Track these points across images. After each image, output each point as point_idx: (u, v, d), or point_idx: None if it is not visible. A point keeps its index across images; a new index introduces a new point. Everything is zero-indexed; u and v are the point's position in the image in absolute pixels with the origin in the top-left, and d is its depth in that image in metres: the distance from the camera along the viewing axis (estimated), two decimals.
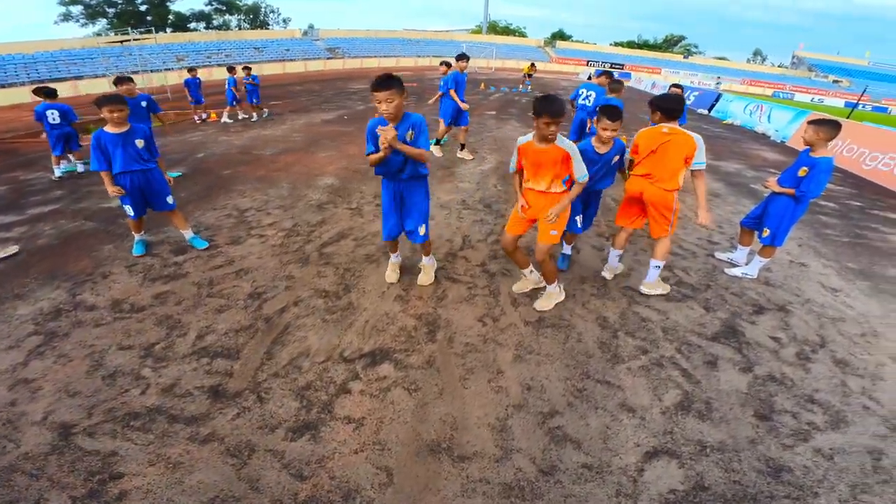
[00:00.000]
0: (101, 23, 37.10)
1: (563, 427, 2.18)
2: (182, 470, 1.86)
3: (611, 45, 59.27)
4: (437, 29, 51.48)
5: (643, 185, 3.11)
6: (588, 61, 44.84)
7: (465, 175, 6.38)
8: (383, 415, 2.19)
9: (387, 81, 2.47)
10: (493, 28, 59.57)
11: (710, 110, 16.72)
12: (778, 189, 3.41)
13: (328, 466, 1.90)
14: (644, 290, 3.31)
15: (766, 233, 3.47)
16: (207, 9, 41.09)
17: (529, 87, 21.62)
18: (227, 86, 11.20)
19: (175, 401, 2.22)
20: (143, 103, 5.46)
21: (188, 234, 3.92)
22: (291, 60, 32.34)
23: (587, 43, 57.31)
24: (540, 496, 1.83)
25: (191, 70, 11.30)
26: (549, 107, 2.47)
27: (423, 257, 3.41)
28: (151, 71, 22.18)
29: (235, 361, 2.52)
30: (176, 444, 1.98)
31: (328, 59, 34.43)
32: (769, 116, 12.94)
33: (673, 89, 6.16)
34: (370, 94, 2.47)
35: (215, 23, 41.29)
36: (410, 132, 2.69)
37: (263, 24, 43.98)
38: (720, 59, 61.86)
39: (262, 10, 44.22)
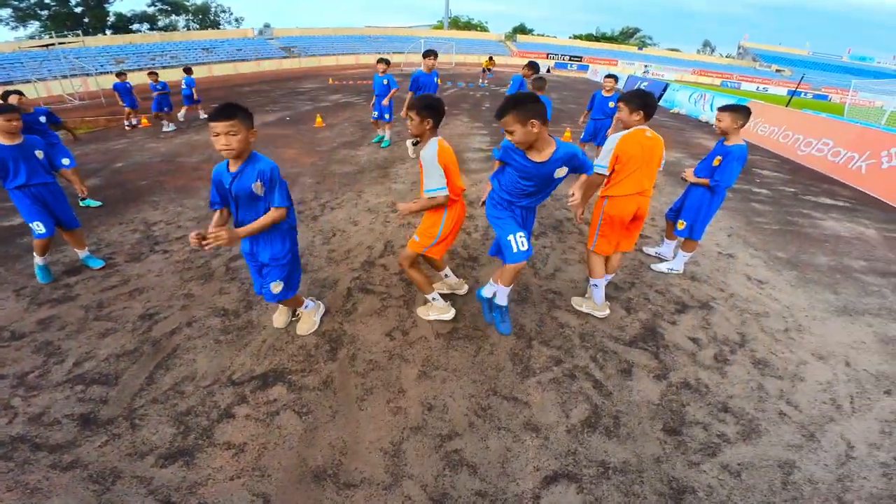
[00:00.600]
0: (34, 25, 34.59)
1: (460, 450, 2.00)
2: (39, 495, 1.80)
3: (570, 38, 60.21)
4: (399, 25, 50.86)
5: (640, 203, 2.66)
6: (548, 54, 45.38)
7: (400, 175, 6.12)
8: (268, 440, 2.05)
9: (228, 110, 1.98)
10: (455, 23, 59.36)
11: (658, 100, 17.10)
12: (693, 179, 3.31)
13: (199, 493, 1.81)
14: (600, 313, 2.93)
15: (682, 225, 3.40)
16: (151, 10, 38.93)
17: (487, 81, 21.52)
18: (184, 86, 10.90)
19: (41, 429, 2.10)
20: (42, 118, 4.92)
21: (83, 253, 3.60)
22: (244, 61, 31.02)
23: (548, 36, 57.97)
24: None
25: (119, 74, 10.51)
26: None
27: (298, 308, 2.79)
28: (87, 75, 20.77)
29: (112, 388, 2.33)
30: (36, 471, 1.89)
31: (283, 58, 33.25)
32: (711, 105, 13.32)
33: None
34: (208, 126, 2.04)
35: (160, 24, 39.18)
36: (258, 184, 2.14)
37: (214, 25, 42.09)
38: (673, 50, 63.92)
39: (213, 9, 42.34)
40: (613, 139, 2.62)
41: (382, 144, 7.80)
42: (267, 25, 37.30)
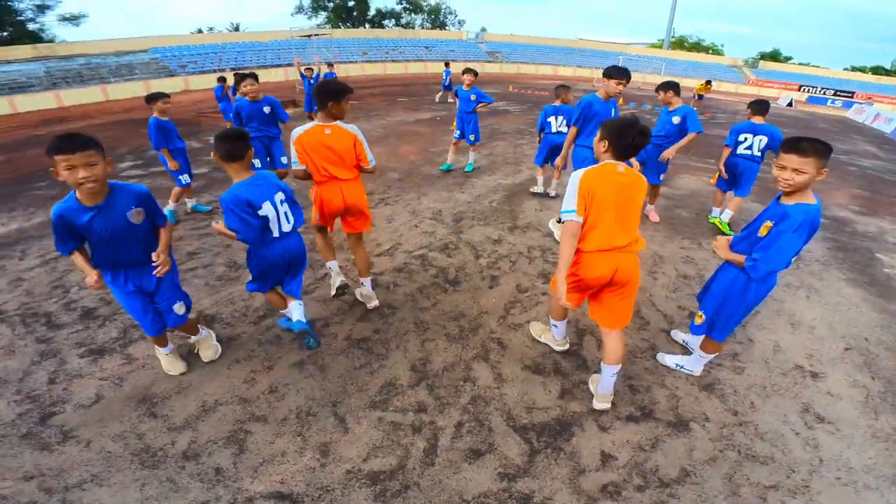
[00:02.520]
0: (322, 16, 45.28)
1: (252, 432, 2.25)
2: None
3: (846, 69, 47.33)
4: (613, 40, 48.52)
5: (617, 262, 2.11)
6: (801, 86, 36.63)
7: (474, 186, 6.22)
8: None
9: (81, 140, 1.84)
10: (680, 43, 53.24)
11: None
12: (725, 254, 2.27)
13: None
14: (599, 405, 2.43)
15: (701, 318, 2.45)
16: (398, 7, 46.69)
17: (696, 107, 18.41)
18: (444, 78, 15.01)
19: None
20: (266, 108, 4.90)
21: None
22: (454, 61, 34.57)
23: (809, 66, 46.81)
24: None
25: (329, 65, 13.53)
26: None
27: (193, 336, 2.77)
28: (338, 63, 26.60)
29: None
30: None
31: (486, 62, 35.71)
32: None
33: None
34: (52, 159, 1.84)
35: (403, 21, 46.70)
36: (137, 210, 2.10)
37: (442, 25, 47.93)
38: None
39: (442, 10, 48.21)
40: (575, 176, 2.07)
41: (466, 168, 6.91)
42: (483, 29, 40.44)
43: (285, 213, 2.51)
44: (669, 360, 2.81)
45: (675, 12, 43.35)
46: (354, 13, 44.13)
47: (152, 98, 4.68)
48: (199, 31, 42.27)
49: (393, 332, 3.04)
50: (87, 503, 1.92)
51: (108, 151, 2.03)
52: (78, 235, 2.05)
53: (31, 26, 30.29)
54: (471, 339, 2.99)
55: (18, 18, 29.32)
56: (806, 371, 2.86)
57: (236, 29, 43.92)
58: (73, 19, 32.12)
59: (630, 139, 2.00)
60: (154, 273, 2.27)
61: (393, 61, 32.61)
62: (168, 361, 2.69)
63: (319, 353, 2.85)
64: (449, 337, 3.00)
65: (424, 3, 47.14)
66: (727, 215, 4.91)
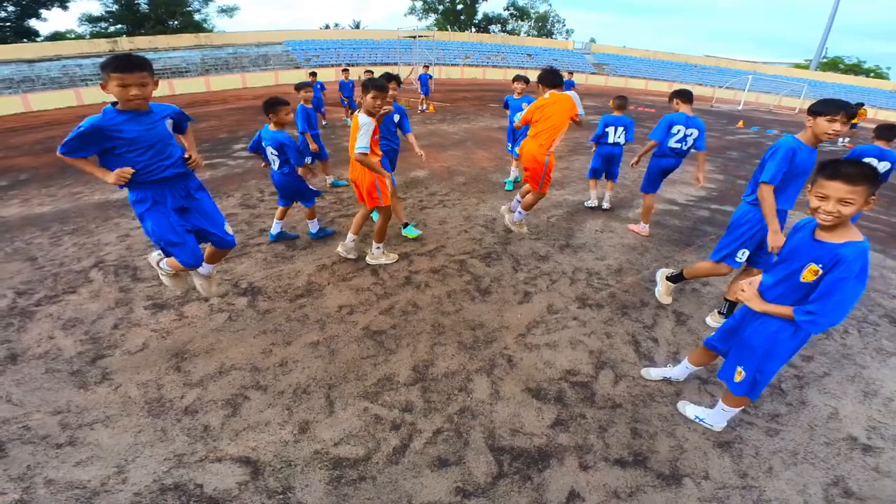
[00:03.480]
0: (432, 17, 47.19)
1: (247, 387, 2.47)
2: None
3: None
4: (746, 59, 43.39)
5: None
6: None
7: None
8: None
9: (137, 62, 2.12)
10: (833, 65, 45.75)
11: None
12: (761, 306, 1.90)
13: None
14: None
15: (741, 375, 2.05)
16: (505, 13, 46.86)
17: (846, 140, 14.30)
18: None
19: None
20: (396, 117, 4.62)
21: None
22: None
23: None
24: None
25: (426, 66, 14.09)
26: None
27: (211, 266, 2.97)
28: (441, 65, 27.61)
29: None
30: None
31: (592, 73, 34.29)
32: None
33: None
34: (107, 76, 2.09)
35: (509, 27, 46.75)
36: (170, 121, 2.43)
37: (549, 34, 47.05)
38: None
39: (550, 19, 47.22)
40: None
41: (505, 186, 6.43)
42: (592, 40, 38.94)
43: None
44: (690, 410, 2.49)
45: (833, 30, 37.55)
46: (462, 17, 45.25)
47: (300, 87, 5.34)
48: (326, 27, 46.65)
49: (409, 330, 3.11)
50: (89, 441, 2.17)
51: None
52: (100, 147, 2.18)
53: (196, 17, 35.92)
54: (482, 350, 2.94)
55: (187, 9, 34.90)
56: (858, 444, 2.38)
57: (357, 27, 47.66)
58: (227, 11, 37.55)
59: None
60: (189, 167, 2.45)
61: (494, 66, 32.89)
62: (212, 282, 3.02)
63: (335, 336, 3.02)
64: (460, 345, 2.98)
65: (532, 11, 46.66)
66: None
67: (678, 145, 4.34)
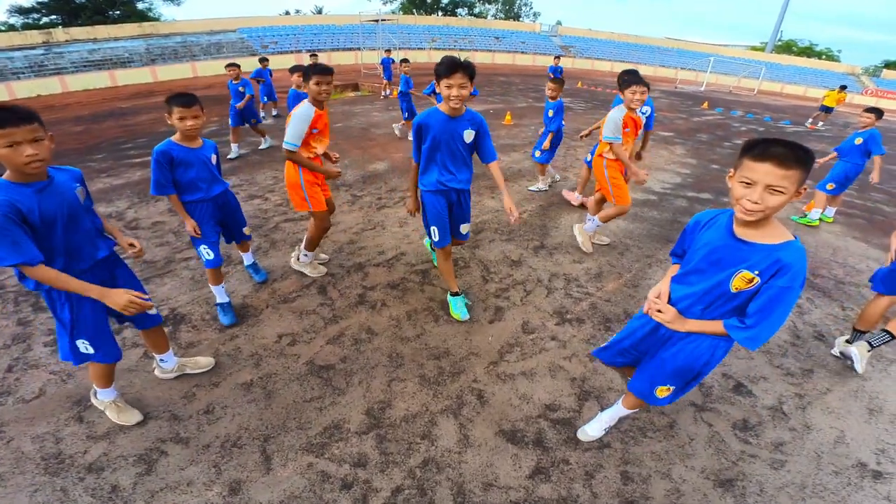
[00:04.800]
0: (398, 2, 45.59)
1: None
2: None
3: None
4: (706, 41, 44.14)
5: None
6: None
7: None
8: None
9: (25, 111, 1.56)
10: (787, 48, 47.20)
11: None
12: (684, 325, 1.58)
13: None
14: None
15: (668, 391, 1.76)
16: None
17: (818, 123, 13.82)
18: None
19: None
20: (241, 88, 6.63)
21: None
22: (523, 53, 33.32)
23: None
24: None
25: (387, 51, 13.42)
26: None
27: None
28: (407, 49, 26.64)
29: None
30: None
31: (558, 56, 34.06)
32: None
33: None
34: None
35: (476, 10, 45.78)
36: (81, 189, 1.85)
37: (516, 17, 46.37)
38: None
39: (517, 2, 46.51)
40: None
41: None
42: (559, 23, 38.61)
43: None
44: (594, 430, 2.17)
45: (786, 14, 38.63)
46: (428, 0, 44.00)
47: (294, 69, 5.42)
48: (287, 13, 44.39)
49: (361, 363, 2.63)
50: None
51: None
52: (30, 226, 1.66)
53: (139, 6, 33.39)
54: (447, 386, 2.49)
55: None
56: (868, 470, 2.14)
57: (319, 12, 45.57)
58: None
59: None
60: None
61: (461, 50, 32.03)
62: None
63: (272, 374, 2.53)
64: (423, 380, 2.53)
65: None
66: None
67: None
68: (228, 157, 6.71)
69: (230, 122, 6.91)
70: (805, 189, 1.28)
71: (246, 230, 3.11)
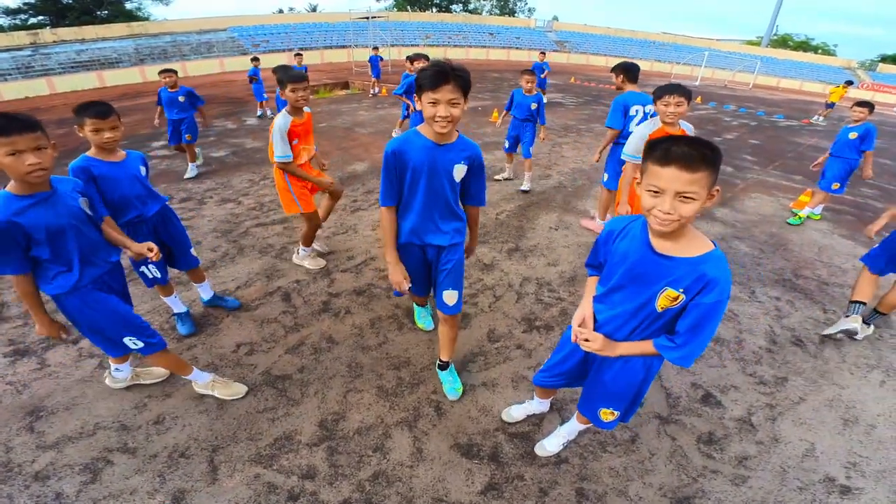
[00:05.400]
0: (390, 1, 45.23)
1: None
2: None
3: None
4: (701, 36, 43.98)
5: None
6: None
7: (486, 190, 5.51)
8: None
9: (26, 119, 1.54)
10: (783, 42, 47.04)
11: None
12: (614, 350, 1.46)
13: None
14: None
15: (613, 415, 1.67)
16: None
17: (821, 119, 13.76)
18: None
19: None
20: (181, 98, 5.52)
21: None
22: (518, 49, 33.13)
23: None
24: None
25: (375, 49, 13.24)
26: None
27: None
28: (401, 46, 26.46)
29: None
30: None
31: (553, 51, 33.78)
32: None
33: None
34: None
35: (471, 6, 45.51)
36: (85, 200, 1.90)
37: (511, 12, 46.11)
38: None
39: None
40: None
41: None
42: (555, 18, 38.39)
43: None
44: (552, 444, 2.11)
45: (781, 9, 38.45)
46: None
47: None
48: (280, 11, 44.07)
49: (319, 373, 2.55)
50: None
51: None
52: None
53: (128, 6, 33.08)
54: (405, 397, 2.42)
55: None
56: (836, 485, 2.07)
57: (313, 10, 45.25)
58: None
59: None
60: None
61: (455, 46, 31.90)
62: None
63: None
64: (380, 391, 2.45)
65: None
66: None
67: None
68: (185, 176, 5.75)
69: (168, 140, 5.79)
70: (718, 191, 1.18)
71: (193, 251, 2.79)
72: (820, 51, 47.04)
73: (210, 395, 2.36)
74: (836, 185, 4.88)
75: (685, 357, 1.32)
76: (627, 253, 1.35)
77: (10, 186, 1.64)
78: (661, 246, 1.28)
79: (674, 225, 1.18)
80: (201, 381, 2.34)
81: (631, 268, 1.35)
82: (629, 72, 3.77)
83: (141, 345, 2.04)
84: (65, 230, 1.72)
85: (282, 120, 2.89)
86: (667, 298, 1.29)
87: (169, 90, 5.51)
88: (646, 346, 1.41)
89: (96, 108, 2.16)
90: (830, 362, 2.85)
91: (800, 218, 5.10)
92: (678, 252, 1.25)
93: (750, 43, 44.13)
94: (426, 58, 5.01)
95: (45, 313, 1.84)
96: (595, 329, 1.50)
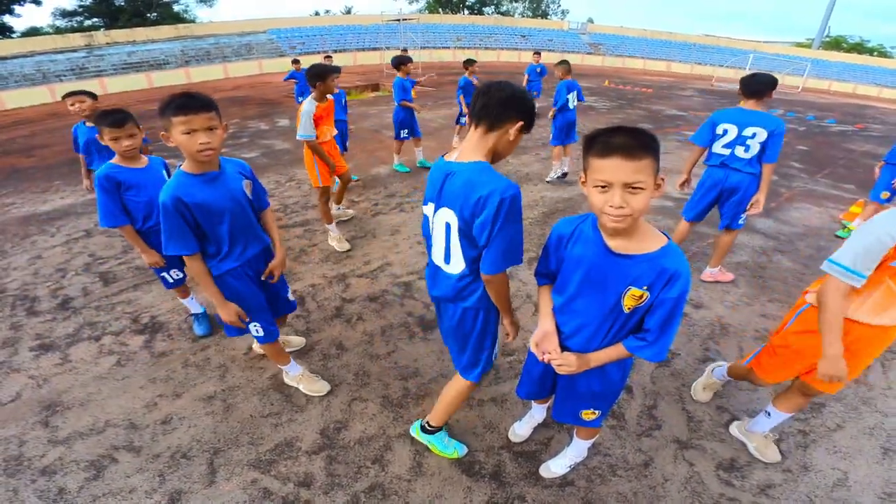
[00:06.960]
0: (423, 1, 45.54)
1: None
2: None
3: None
4: (746, 38, 42.01)
5: None
6: None
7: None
8: None
9: (203, 97, 1.59)
10: (836, 44, 44.21)
11: None
12: (588, 364, 1.39)
13: None
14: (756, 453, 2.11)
15: (594, 415, 1.63)
16: None
17: None
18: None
19: None
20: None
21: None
22: (550, 51, 32.61)
23: None
24: None
25: (404, 50, 13.32)
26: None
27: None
28: (431, 49, 26.64)
29: None
30: None
31: (587, 53, 33.08)
32: None
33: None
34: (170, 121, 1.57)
35: (503, 8, 45.23)
36: (249, 182, 1.91)
37: (544, 14, 45.51)
38: None
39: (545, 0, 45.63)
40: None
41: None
42: (590, 20, 37.60)
43: None
44: (558, 466, 2.02)
45: (834, 9, 36.26)
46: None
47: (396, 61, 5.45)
48: (317, 14, 45.25)
49: (326, 379, 2.54)
50: None
51: None
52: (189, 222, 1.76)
53: (175, 7, 34.73)
54: (410, 409, 2.37)
55: (164, 0, 33.67)
56: None
57: (348, 12, 46.19)
58: (206, 0, 36.26)
59: None
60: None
61: (487, 48, 31.79)
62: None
63: (235, 388, 2.49)
64: (385, 401, 2.42)
65: None
66: None
67: (725, 151, 3.05)
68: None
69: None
70: (663, 180, 1.12)
71: None
72: (875, 53, 43.99)
73: (295, 388, 2.46)
74: (885, 195, 4.51)
75: (659, 352, 1.30)
76: (582, 258, 1.30)
77: (185, 165, 1.70)
78: (617, 245, 1.24)
79: (627, 220, 1.13)
80: (293, 372, 2.41)
81: (588, 272, 1.30)
82: (747, 85, 3.01)
83: (262, 333, 2.12)
84: (224, 211, 1.75)
85: (309, 105, 3.42)
86: (632, 298, 1.26)
87: (85, 123, 3.23)
88: (619, 351, 1.37)
89: (112, 116, 2.22)
90: (875, 388, 2.61)
91: (850, 231, 4.73)
92: (635, 249, 1.22)
93: (800, 45, 41.86)
94: (411, 60, 5.70)
95: (222, 295, 1.86)
96: (562, 342, 1.44)
